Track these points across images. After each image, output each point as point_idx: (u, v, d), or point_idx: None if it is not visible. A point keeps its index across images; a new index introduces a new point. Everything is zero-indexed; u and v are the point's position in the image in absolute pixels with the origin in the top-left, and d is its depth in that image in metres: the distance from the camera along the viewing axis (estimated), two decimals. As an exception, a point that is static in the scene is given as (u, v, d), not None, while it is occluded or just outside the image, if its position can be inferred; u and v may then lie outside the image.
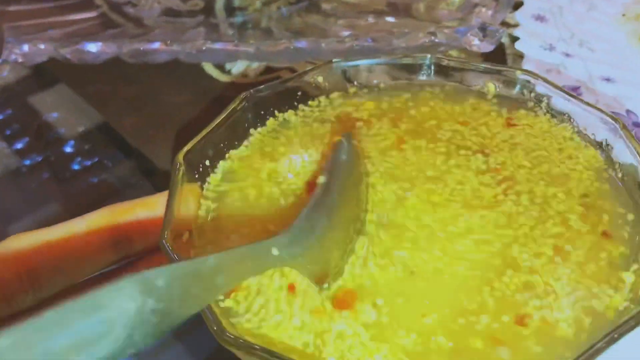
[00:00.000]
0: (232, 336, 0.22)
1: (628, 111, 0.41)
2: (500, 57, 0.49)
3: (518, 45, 0.46)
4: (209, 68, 0.51)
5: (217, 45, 0.46)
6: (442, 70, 0.36)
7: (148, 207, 0.28)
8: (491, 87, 0.35)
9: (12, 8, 0.56)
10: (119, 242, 0.28)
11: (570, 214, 0.29)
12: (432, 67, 0.35)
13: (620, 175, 0.31)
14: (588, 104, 0.32)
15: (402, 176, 0.30)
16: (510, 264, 0.27)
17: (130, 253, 0.28)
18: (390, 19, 0.52)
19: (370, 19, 0.53)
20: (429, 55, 0.35)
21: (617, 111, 0.41)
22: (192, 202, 0.29)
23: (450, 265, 0.27)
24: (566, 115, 0.34)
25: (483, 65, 0.36)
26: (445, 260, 0.27)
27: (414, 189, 0.30)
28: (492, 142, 0.32)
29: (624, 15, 0.49)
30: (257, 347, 0.23)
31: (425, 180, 0.30)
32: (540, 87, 0.34)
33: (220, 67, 0.51)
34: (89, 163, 0.49)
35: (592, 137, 0.32)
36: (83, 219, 0.28)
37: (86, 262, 0.27)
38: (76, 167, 0.49)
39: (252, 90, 0.33)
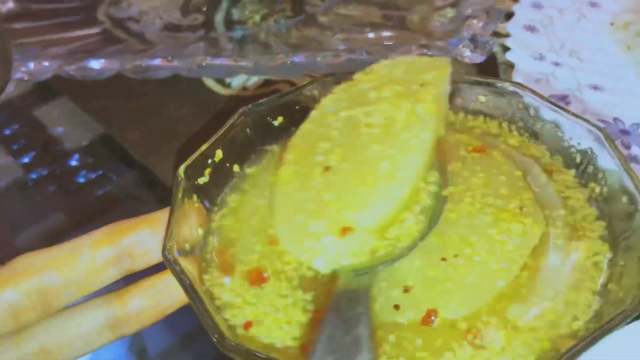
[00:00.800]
0: (232, 343, 0.24)
1: (615, 119, 0.42)
2: (492, 67, 0.50)
3: (509, 56, 0.48)
4: (209, 82, 0.52)
5: (217, 61, 0.47)
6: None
7: (150, 225, 0.29)
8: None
9: (17, 26, 0.57)
10: (121, 259, 0.29)
11: None
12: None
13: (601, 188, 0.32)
14: (574, 114, 0.34)
15: None
16: None
17: (133, 269, 0.30)
18: (385, 31, 0.54)
19: (366, 32, 0.54)
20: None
21: (604, 119, 0.42)
22: (194, 216, 0.30)
23: None
24: (554, 124, 0.35)
25: (473, 78, 0.37)
26: None
27: None
28: None
29: (612, 24, 0.51)
30: (258, 353, 0.24)
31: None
32: (529, 99, 0.36)
33: (221, 81, 0.52)
34: (93, 176, 0.50)
35: (577, 146, 0.34)
36: (88, 236, 0.29)
37: (91, 279, 0.29)
38: (81, 180, 0.50)
39: (250, 106, 0.34)
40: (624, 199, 0.30)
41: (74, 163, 0.51)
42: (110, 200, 0.49)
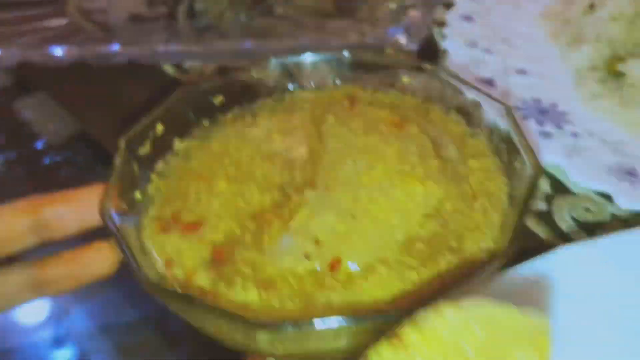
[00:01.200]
0: (154, 281, 0.27)
1: (535, 100, 0.46)
2: (432, 52, 0.53)
3: (445, 43, 0.51)
4: (168, 67, 0.55)
5: (172, 47, 0.50)
6: (362, 66, 0.40)
7: (69, 200, 0.32)
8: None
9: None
10: (38, 229, 0.31)
11: None
12: (351, 63, 0.40)
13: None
14: (485, 93, 0.37)
15: None
16: None
17: (52, 239, 0.32)
18: (336, 21, 0.57)
19: (319, 22, 0.57)
20: (345, 51, 0.39)
21: (525, 99, 0.45)
22: (132, 181, 0.33)
23: None
24: (471, 102, 0.39)
25: (404, 61, 0.41)
26: None
27: None
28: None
29: (543, 13, 0.54)
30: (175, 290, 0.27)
31: None
32: (451, 80, 0.39)
33: (179, 67, 0.55)
34: (59, 159, 0.53)
35: (486, 120, 0.37)
36: (9, 206, 0.32)
37: (8, 243, 0.31)
38: (47, 161, 0.53)
39: (189, 86, 0.38)
40: (517, 164, 0.33)
41: (40, 146, 0.54)
42: (76, 182, 0.52)
